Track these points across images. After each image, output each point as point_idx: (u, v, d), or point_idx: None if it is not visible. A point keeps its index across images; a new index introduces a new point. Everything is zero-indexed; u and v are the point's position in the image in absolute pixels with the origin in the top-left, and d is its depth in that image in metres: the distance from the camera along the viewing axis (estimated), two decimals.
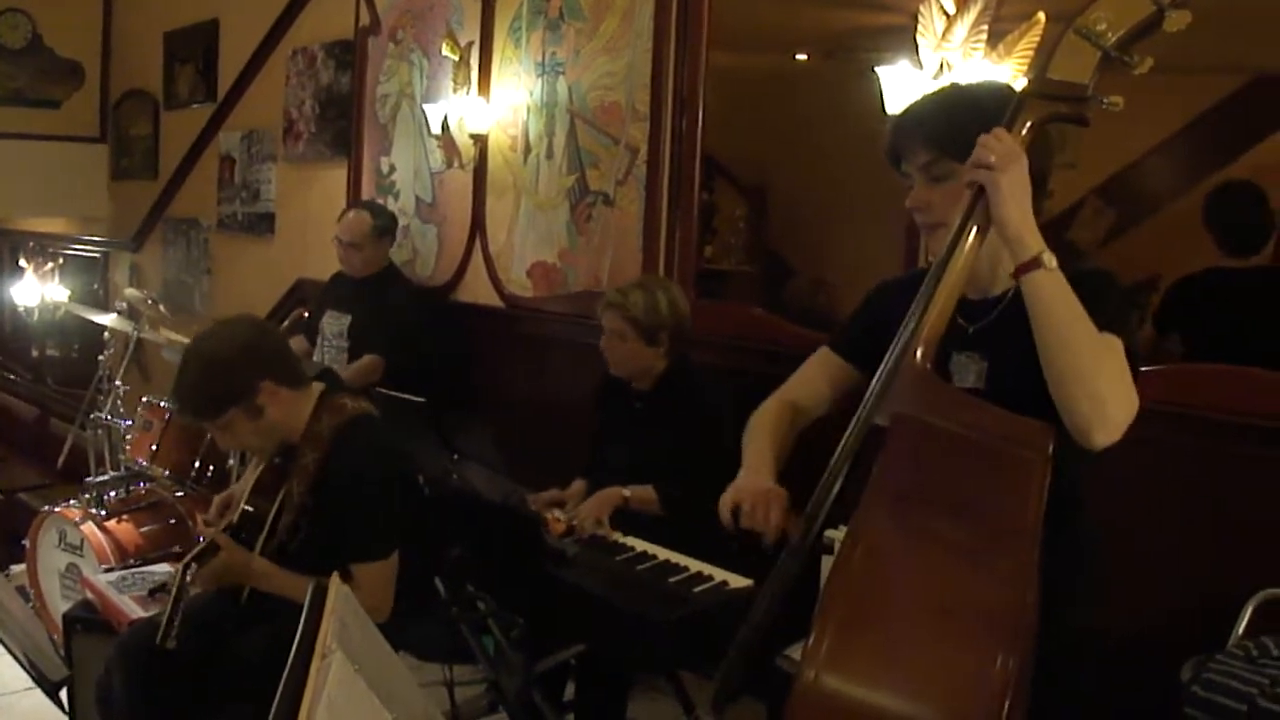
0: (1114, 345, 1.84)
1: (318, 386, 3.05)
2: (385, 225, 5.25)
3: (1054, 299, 1.80)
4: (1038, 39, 3.33)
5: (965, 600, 1.58)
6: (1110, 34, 1.81)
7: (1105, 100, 1.85)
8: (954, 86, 2.26)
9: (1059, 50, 1.86)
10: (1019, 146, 1.84)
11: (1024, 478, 1.63)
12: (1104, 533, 2.16)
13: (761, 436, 2.28)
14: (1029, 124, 1.86)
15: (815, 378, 2.36)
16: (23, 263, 8.80)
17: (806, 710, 1.53)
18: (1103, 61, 1.83)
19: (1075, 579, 2.05)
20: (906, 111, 2.19)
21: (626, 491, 3.49)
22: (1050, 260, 1.80)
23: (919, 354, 1.82)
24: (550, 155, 5.02)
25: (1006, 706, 1.46)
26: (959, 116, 1.98)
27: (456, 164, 5.54)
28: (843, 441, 1.89)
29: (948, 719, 1.48)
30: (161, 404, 4.87)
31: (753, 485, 2.11)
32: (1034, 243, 1.81)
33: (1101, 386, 1.77)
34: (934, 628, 1.56)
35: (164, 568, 3.86)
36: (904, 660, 1.54)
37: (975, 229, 1.86)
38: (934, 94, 2.23)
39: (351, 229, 5.20)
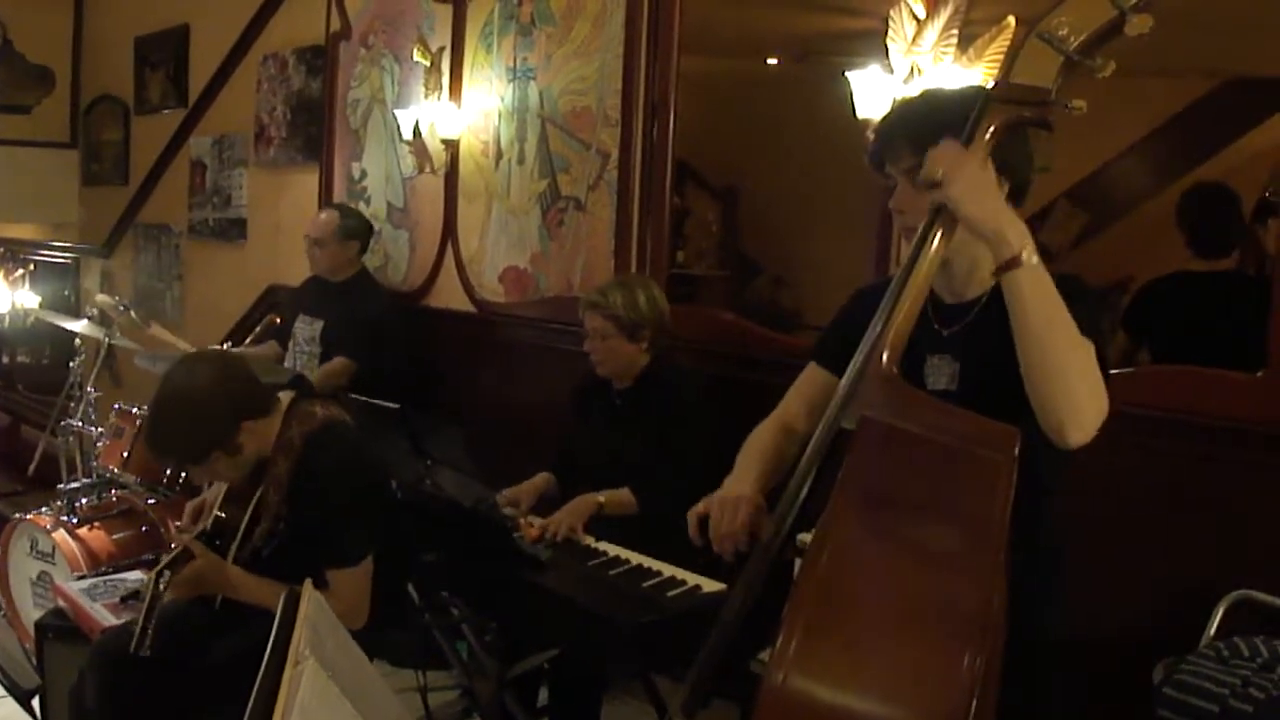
0: (1088, 347, 1.84)
1: (287, 395, 3.04)
2: (353, 227, 5.21)
3: (1033, 297, 1.78)
4: (1008, 43, 3.35)
5: (932, 601, 1.59)
6: (1072, 38, 1.82)
7: (1069, 104, 1.86)
8: (939, 90, 2.26)
9: (1022, 55, 1.87)
10: (974, 149, 1.84)
11: (990, 480, 1.64)
12: (1075, 534, 2.17)
13: (749, 454, 2.28)
14: (992, 128, 1.87)
15: (805, 393, 2.35)
16: None
17: (775, 712, 1.54)
18: (1065, 66, 1.84)
19: (1044, 580, 2.06)
20: (891, 114, 2.19)
21: (601, 498, 3.48)
22: (1030, 257, 1.78)
23: (885, 358, 1.83)
24: (522, 160, 5.02)
25: (974, 706, 1.47)
26: (943, 120, 1.95)
27: (428, 169, 5.53)
28: (810, 445, 1.90)
29: (916, 719, 1.50)
30: (133, 410, 4.85)
31: (724, 493, 2.12)
32: (1015, 240, 1.79)
33: (1078, 386, 1.77)
34: (901, 628, 1.57)
35: (136, 575, 3.83)
36: (872, 661, 1.55)
37: (940, 234, 1.87)
38: (918, 97, 2.23)
39: (319, 225, 5.21)
